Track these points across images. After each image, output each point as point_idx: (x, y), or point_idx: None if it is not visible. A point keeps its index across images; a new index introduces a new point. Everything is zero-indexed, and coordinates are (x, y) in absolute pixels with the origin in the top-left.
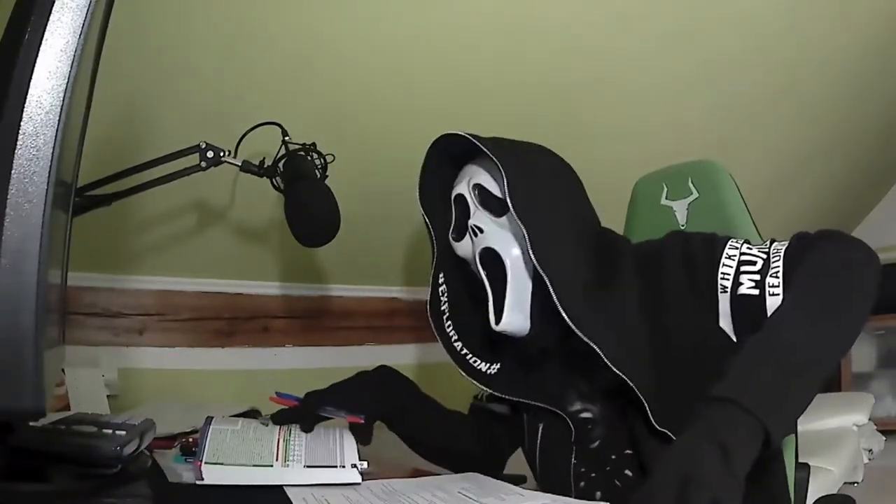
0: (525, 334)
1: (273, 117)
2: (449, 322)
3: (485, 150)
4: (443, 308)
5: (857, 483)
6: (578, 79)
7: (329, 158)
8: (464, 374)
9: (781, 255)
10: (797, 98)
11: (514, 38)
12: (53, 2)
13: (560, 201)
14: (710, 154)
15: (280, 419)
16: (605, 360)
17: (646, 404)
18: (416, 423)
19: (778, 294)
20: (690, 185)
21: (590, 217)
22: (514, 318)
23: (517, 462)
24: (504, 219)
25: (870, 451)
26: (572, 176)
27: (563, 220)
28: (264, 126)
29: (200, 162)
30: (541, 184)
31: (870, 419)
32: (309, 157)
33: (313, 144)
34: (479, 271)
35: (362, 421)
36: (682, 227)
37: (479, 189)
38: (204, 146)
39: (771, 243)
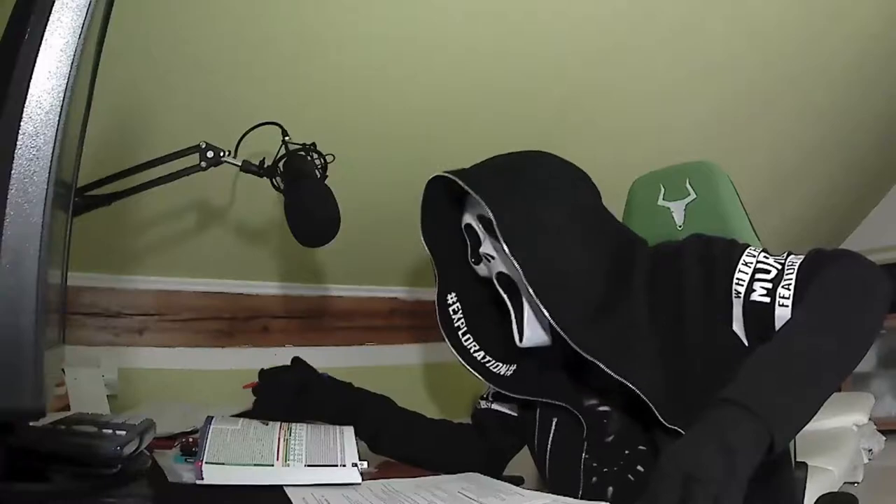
0: (549, 345)
1: (273, 117)
2: (468, 336)
3: (472, 193)
4: (457, 325)
5: (857, 483)
6: (576, 80)
7: (329, 158)
8: (483, 379)
9: (796, 268)
10: (797, 98)
11: (514, 40)
12: (53, 2)
13: (563, 222)
14: (709, 155)
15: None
16: (609, 371)
17: (651, 404)
18: (412, 442)
19: (787, 305)
20: (688, 185)
21: (603, 225)
22: (535, 334)
23: (517, 463)
24: None
25: (870, 450)
26: (578, 187)
27: (567, 241)
28: (264, 126)
29: (200, 162)
30: (538, 212)
31: (870, 419)
32: (309, 157)
33: (313, 144)
34: (500, 291)
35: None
36: (680, 228)
37: (484, 220)
38: (204, 146)
39: (787, 255)
